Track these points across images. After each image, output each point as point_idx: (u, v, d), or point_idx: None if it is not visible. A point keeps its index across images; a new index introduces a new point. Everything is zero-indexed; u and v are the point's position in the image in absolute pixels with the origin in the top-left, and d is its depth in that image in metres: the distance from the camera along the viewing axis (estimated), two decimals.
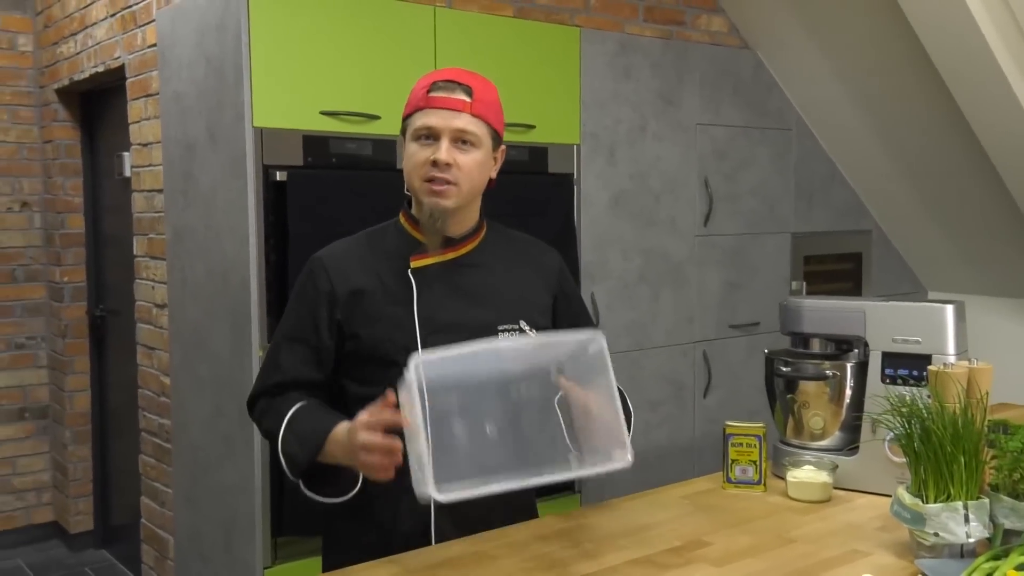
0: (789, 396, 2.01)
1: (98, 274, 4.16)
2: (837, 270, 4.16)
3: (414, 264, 1.68)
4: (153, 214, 3.20)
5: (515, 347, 1.47)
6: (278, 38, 2.57)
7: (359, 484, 1.60)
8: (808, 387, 1.98)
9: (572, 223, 3.17)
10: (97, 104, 4.03)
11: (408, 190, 1.69)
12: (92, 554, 4.20)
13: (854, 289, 4.19)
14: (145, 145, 3.22)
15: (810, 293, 3.97)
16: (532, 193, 3.03)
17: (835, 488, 1.89)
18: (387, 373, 1.61)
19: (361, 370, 1.68)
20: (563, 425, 1.51)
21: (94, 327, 4.16)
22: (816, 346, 2.02)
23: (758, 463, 1.92)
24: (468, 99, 1.62)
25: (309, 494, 1.62)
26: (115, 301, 3.97)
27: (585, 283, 3.24)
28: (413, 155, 1.64)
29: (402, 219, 1.74)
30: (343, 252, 1.73)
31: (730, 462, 1.93)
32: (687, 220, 3.54)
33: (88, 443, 4.21)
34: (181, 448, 3.06)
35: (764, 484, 1.92)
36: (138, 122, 3.27)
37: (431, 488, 1.34)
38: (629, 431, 1.72)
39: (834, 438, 1.98)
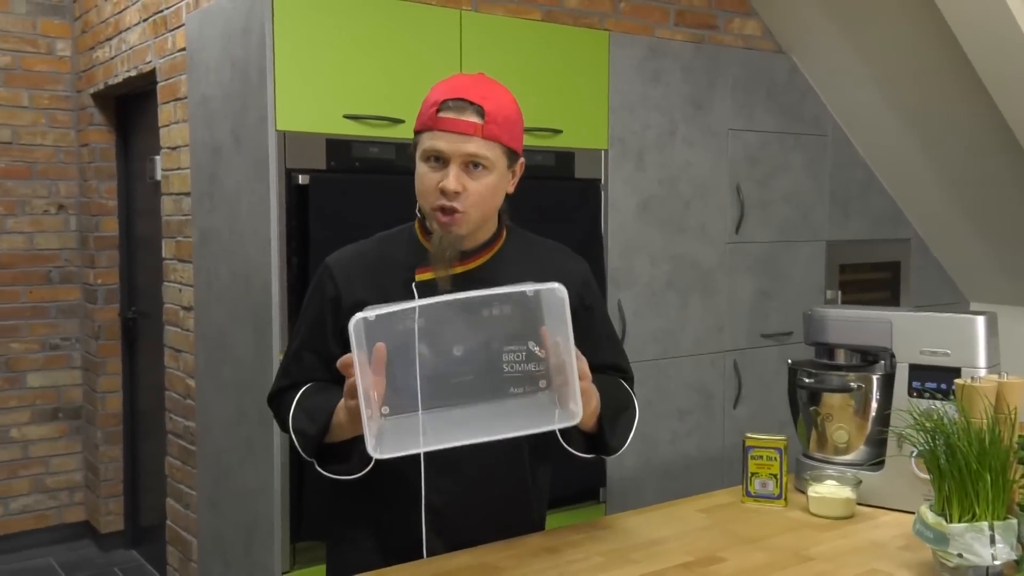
0: (812, 408, 1.95)
1: (130, 277, 4.21)
2: (874, 279, 4.06)
3: (419, 277, 1.62)
4: (181, 217, 3.22)
5: (466, 301, 1.38)
6: (302, 41, 2.56)
7: (372, 462, 1.56)
8: (832, 399, 1.92)
9: (599, 229, 3.13)
10: (131, 108, 4.07)
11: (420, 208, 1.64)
12: (122, 554, 4.24)
13: (892, 299, 4.10)
14: (174, 148, 3.24)
15: (845, 303, 3.88)
16: (558, 199, 2.99)
17: (859, 504, 1.83)
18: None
19: None
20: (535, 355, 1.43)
21: (126, 329, 4.20)
22: (841, 357, 1.96)
23: (779, 477, 1.86)
24: (479, 120, 1.52)
25: (323, 472, 1.60)
26: (146, 303, 4.00)
27: (612, 290, 3.19)
28: (422, 178, 1.57)
29: (416, 226, 1.68)
30: (351, 258, 1.69)
31: (749, 475, 1.88)
32: (718, 227, 3.48)
33: (119, 444, 4.25)
34: (205, 451, 3.06)
35: (785, 499, 1.86)
36: (168, 126, 3.29)
37: (370, 448, 1.32)
38: (633, 424, 1.69)
39: (859, 452, 1.91)
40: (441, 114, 1.53)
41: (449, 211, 1.55)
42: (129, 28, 3.59)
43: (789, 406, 2.02)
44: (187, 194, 3.14)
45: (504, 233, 1.69)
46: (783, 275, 3.69)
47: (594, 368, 1.65)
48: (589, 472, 3.14)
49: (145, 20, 3.44)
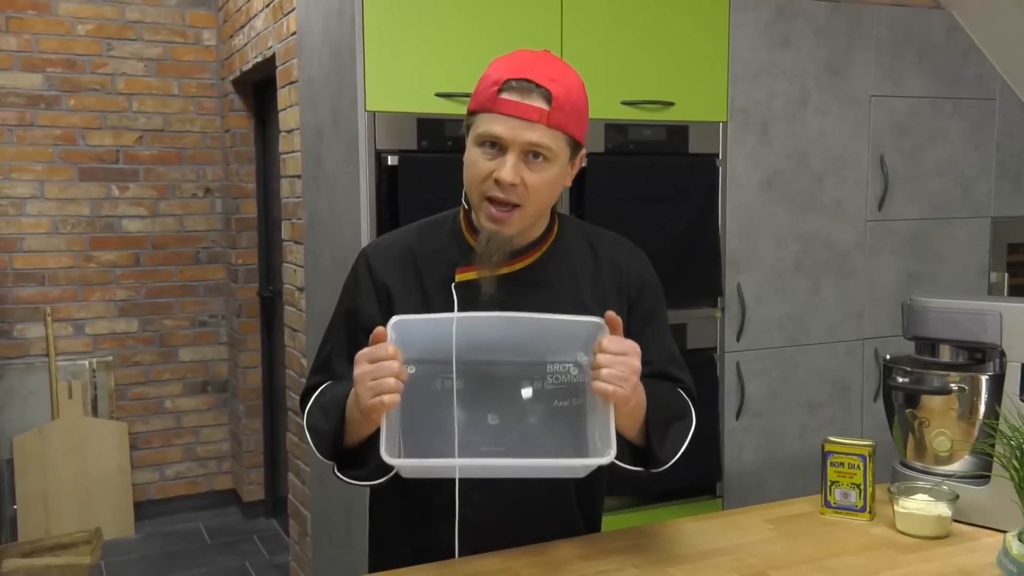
0: (909, 411, 1.71)
1: (268, 257, 4.36)
2: None
3: (459, 278, 1.48)
4: (295, 199, 3.28)
5: (511, 322, 1.30)
6: (393, 19, 2.51)
7: (392, 472, 1.47)
8: (931, 402, 1.68)
9: (715, 208, 2.91)
10: (266, 93, 4.19)
11: (466, 197, 1.49)
12: (262, 522, 4.43)
13: None
14: (289, 132, 3.30)
15: (1014, 287, 3.48)
16: (669, 176, 2.81)
17: (957, 522, 1.59)
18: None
19: None
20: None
21: (264, 307, 4.35)
22: (945, 354, 1.71)
23: (863, 487, 1.65)
24: (545, 106, 1.36)
25: (341, 477, 1.51)
26: (281, 283, 4.13)
27: (731, 273, 2.98)
28: (474, 164, 1.41)
29: (460, 217, 1.54)
30: (390, 247, 1.57)
31: (829, 484, 1.67)
32: (856, 203, 3.18)
33: (259, 417, 4.43)
34: None
35: (869, 511, 1.65)
36: (285, 109, 3.35)
37: (383, 453, 1.24)
38: (686, 436, 1.52)
39: (964, 462, 1.67)
40: (503, 95, 1.38)
41: (501, 204, 1.40)
42: (256, 15, 3.69)
43: (884, 407, 1.79)
44: (299, 176, 3.19)
45: (556, 228, 1.54)
46: (937, 256, 3.34)
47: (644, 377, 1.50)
48: (703, 465, 2.96)
49: (268, 6, 3.52)
